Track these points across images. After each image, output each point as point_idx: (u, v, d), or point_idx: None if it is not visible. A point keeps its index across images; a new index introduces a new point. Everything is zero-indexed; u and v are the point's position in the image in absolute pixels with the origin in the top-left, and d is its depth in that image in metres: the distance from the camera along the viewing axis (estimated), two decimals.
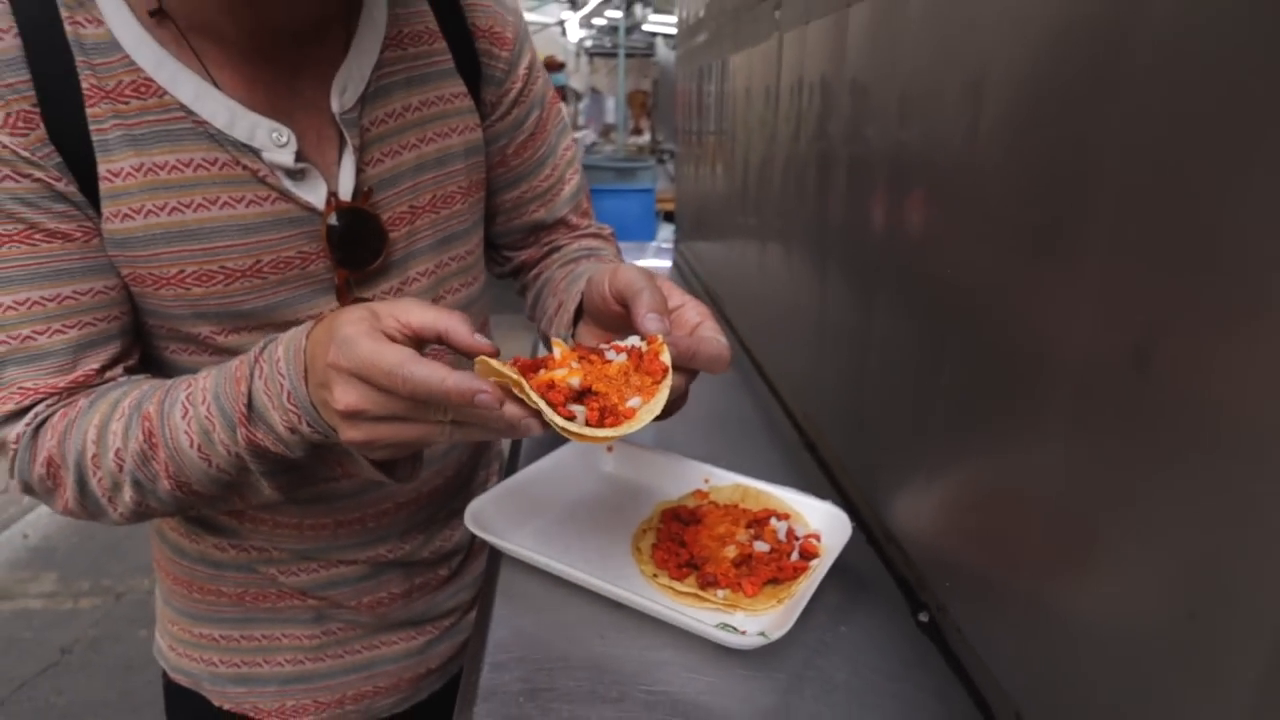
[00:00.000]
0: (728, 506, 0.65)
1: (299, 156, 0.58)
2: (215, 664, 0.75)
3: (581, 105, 8.40)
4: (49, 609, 2.15)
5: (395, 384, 0.44)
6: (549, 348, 0.58)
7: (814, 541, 0.60)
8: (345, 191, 0.61)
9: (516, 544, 0.60)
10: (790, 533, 0.60)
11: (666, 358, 0.47)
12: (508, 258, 0.82)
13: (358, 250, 0.61)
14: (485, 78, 0.70)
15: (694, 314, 0.54)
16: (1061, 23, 0.38)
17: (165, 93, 0.54)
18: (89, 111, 0.53)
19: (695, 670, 0.51)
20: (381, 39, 0.62)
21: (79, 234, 0.54)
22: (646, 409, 0.45)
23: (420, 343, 0.47)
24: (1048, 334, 0.39)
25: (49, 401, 0.56)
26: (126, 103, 0.54)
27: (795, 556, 0.58)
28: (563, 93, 6.34)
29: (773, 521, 0.61)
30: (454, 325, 0.46)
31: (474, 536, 0.77)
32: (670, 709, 0.47)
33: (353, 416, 0.46)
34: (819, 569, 0.56)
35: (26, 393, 0.55)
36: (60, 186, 0.53)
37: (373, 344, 0.44)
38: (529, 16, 7.71)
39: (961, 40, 0.47)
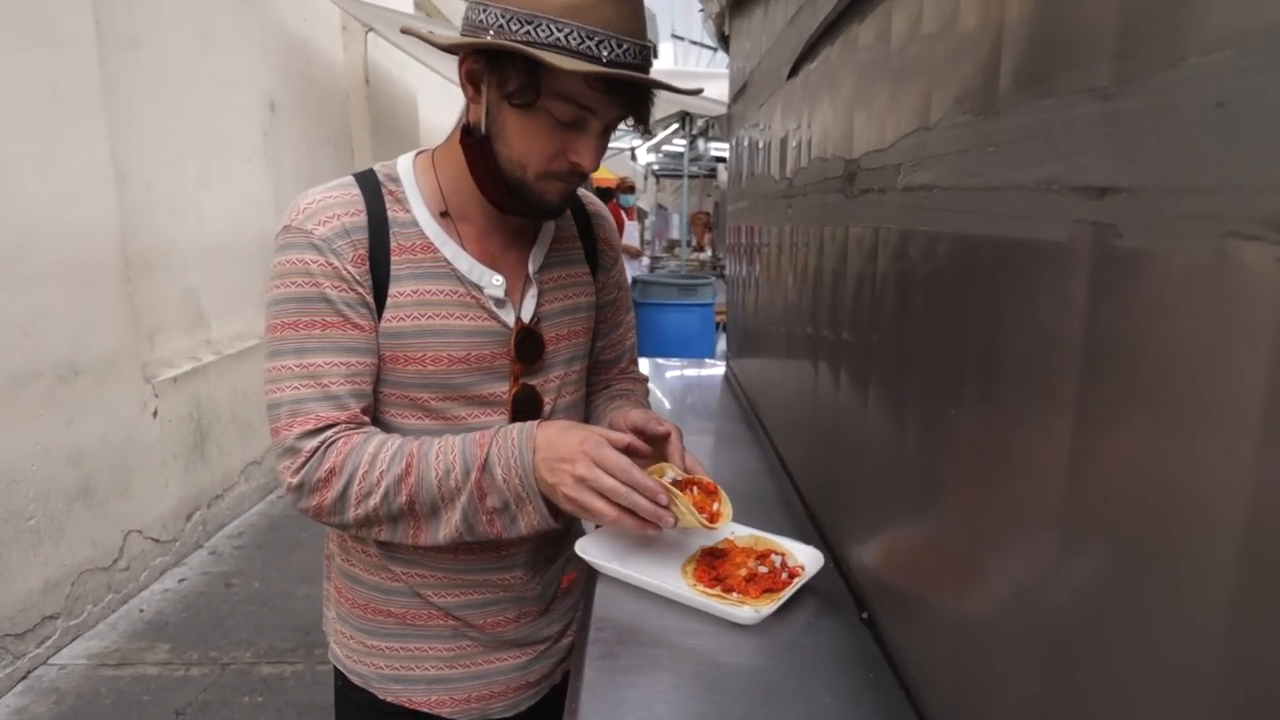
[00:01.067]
0: (745, 548, 0.93)
1: (504, 293, 0.93)
2: (381, 667, 0.99)
3: (649, 222, 9.02)
4: (163, 675, 2.41)
5: (619, 471, 0.79)
6: None
7: (799, 568, 0.89)
8: (525, 318, 0.95)
9: (607, 563, 0.91)
10: (783, 563, 0.89)
11: (707, 478, 0.91)
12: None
13: (527, 353, 0.95)
14: (600, 266, 1.07)
15: (674, 433, 0.95)
16: None
17: (437, 251, 0.90)
18: (392, 258, 0.88)
19: (715, 636, 0.79)
20: (552, 235, 1.00)
21: (369, 328, 0.87)
22: (727, 512, 0.87)
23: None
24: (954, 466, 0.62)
25: (335, 429, 0.85)
26: (415, 255, 0.89)
27: (785, 576, 0.87)
28: (633, 211, 6.86)
29: (772, 556, 0.90)
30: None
31: (561, 581, 1.07)
32: (699, 656, 0.75)
33: (580, 482, 0.80)
34: (798, 583, 0.85)
35: (321, 419, 0.84)
36: (367, 298, 0.87)
37: (614, 452, 0.82)
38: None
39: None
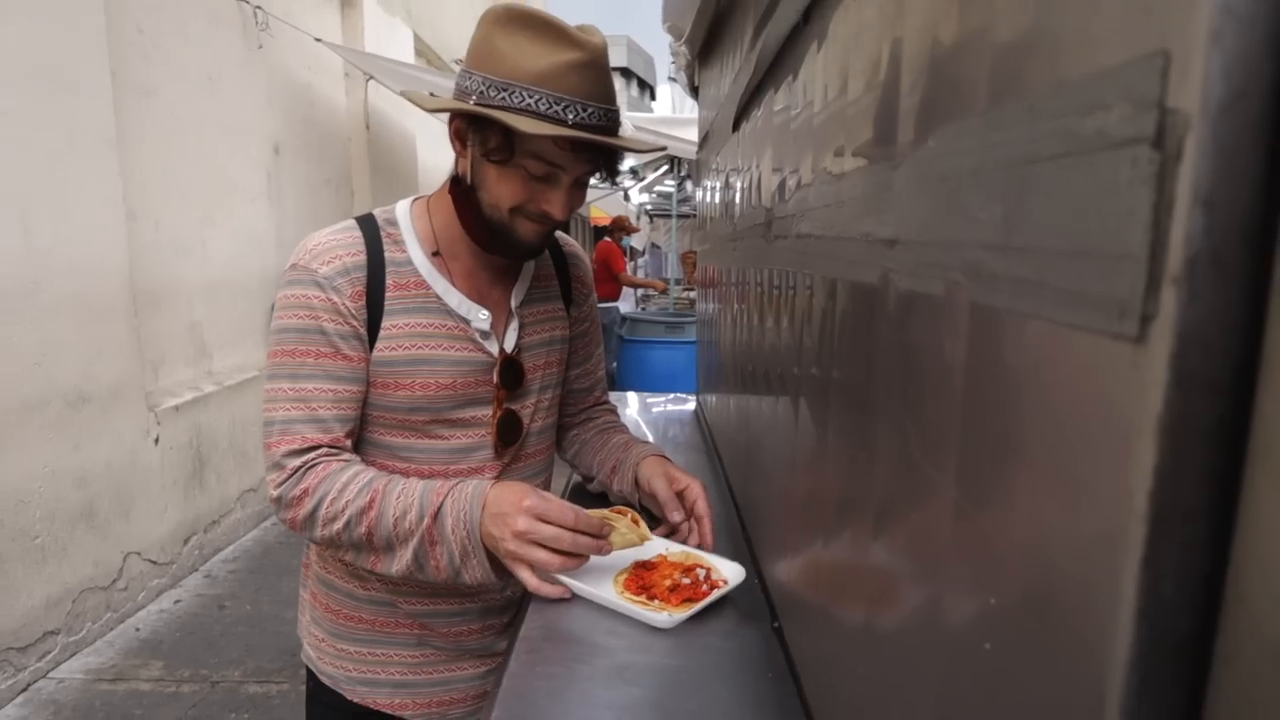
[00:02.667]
0: (675, 562, 1.00)
1: (489, 326, 1.01)
2: (349, 669, 1.06)
3: (642, 260, 9.18)
4: (156, 691, 2.49)
5: (560, 518, 0.88)
6: (607, 494, 1.20)
7: (721, 581, 0.95)
8: (509, 348, 1.04)
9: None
10: (707, 576, 0.95)
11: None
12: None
13: (510, 380, 1.04)
14: (573, 302, 1.17)
15: (692, 492, 1.07)
16: None
17: (429, 287, 0.99)
18: (387, 294, 0.96)
19: (635, 638, 0.86)
20: (532, 273, 1.10)
21: (358, 359, 0.95)
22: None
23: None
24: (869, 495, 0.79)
25: (317, 452, 0.93)
26: (409, 291, 0.98)
27: (705, 587, 0.93)
28: (628, 251, 7.01)
29: (697, 570, 0.96)
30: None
31: (521, 595, 1.12)
32: (614, 653, 0.82)
33: (520, 537, 0.87)
34: (717, 594, 0.91)
35: (306, 440, 0.92)
36: (360, 331, 0.95)
37: (555, 502, 0.90)
38: (595, 183, 8.67)
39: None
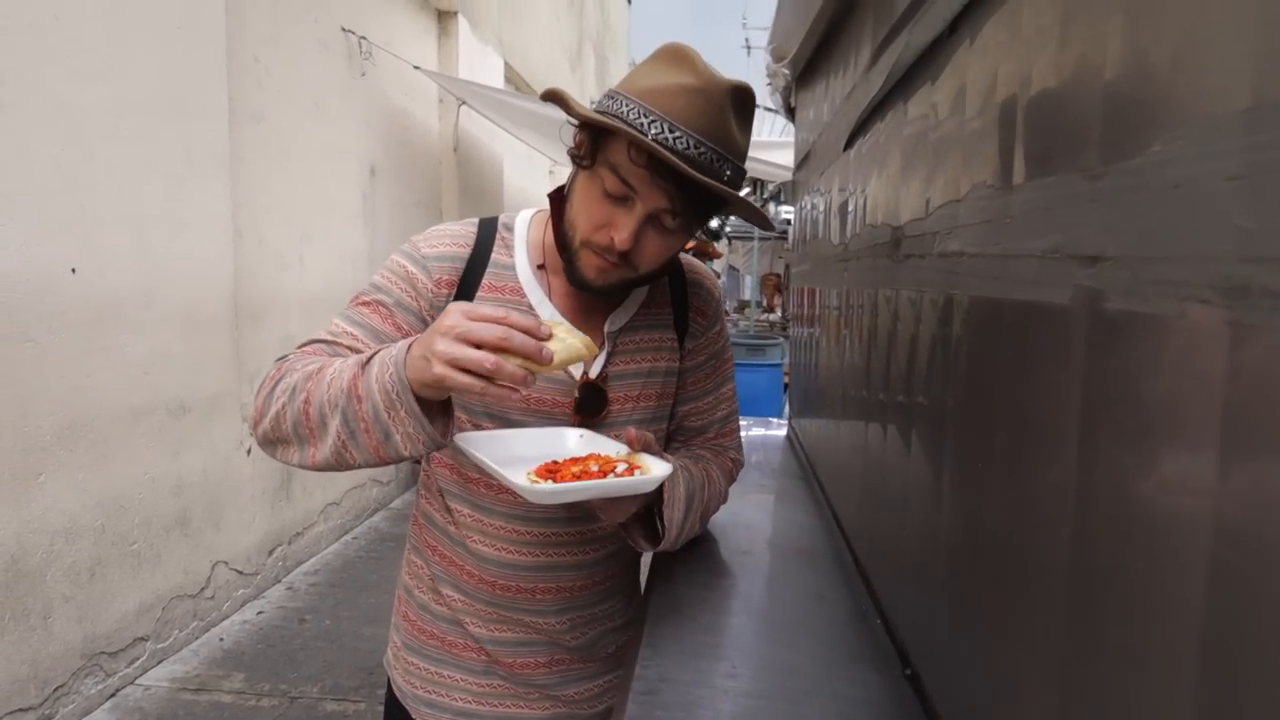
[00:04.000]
0: (608, 458, 0.86)
1: None
2: (416, 687, 1.04)
3: (721, 282, 9.10)
4: (236, 704, 2.54)
5: (493, 314, 0.71)
6: None
7: (636, 471, 0.82)
8: (593, 374, 0.98)
9: (474, 449, 0.83)
10: (628, 470, 0.82)
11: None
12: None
13: (588, 407, 0.98)
14: (689, 333, 1.07)
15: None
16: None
17: (524, 295, 0.96)
18: (479, 292, 0.94)
19: (755, 680, 0.77)
20: (642, 300, 1.02)
21: (406, 331, 0.91)
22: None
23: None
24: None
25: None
26: (503, 295, 0.95)
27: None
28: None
29: (618, 464, 0.83)
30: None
31: (613, 648, 1.07)
32: (744, 697, 0.80)
33: (448, 333, 0.70)
34: (617, 482, 0.79)
35: (320, 351, 0.88)
36: (428, 315, 0.92)
37: (488, 305, 0.75)
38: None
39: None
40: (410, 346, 0.75)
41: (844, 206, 1.31)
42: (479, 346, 0.70)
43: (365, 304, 0.93)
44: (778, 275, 7.61)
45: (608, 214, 0.86)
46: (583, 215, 0.88)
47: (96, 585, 2.47)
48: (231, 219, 3.03)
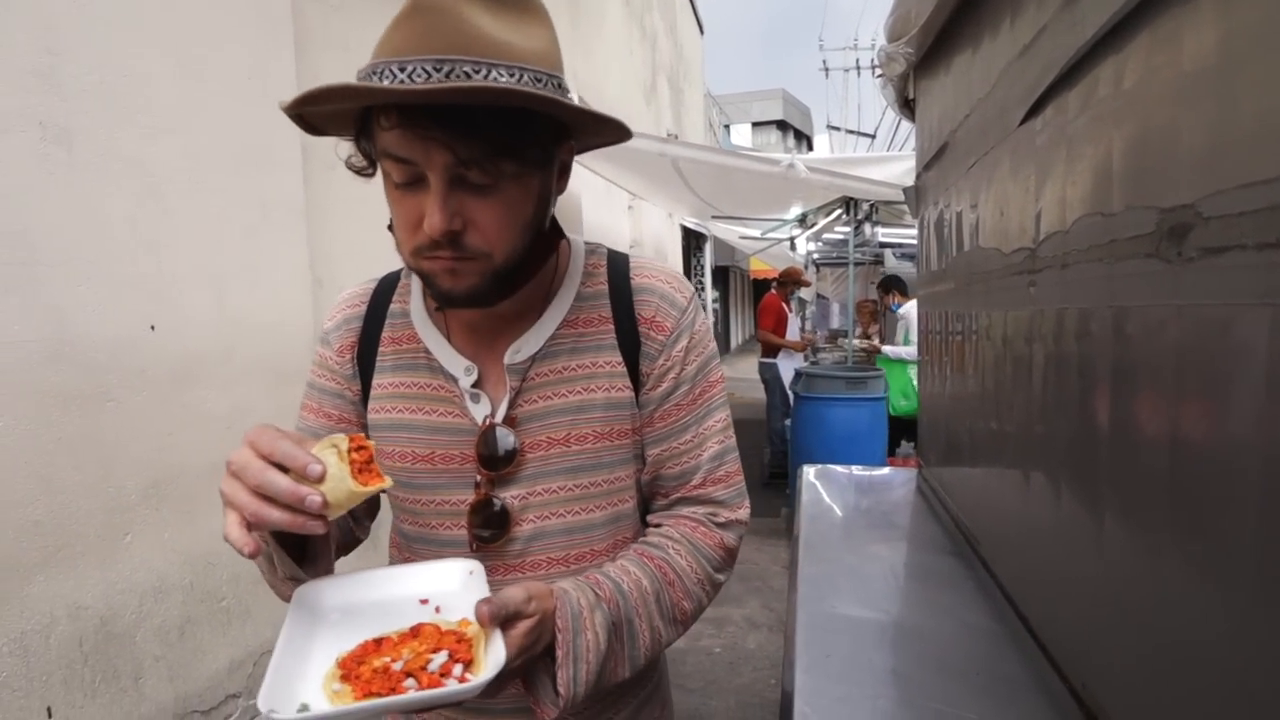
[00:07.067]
0: (432, 640, 0.67)
1: (476, 384, 0.83)
2: None
3: (808, 312, 8.81)
4: None
5: (261, 443, 0.64)
6: None
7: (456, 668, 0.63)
8: (498, 417, 0.82)
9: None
10: (454, 663, 0.63)
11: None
12: (649, 512, 0.93)
13: (495, 459, 0.82)
14: (644, 353, 0.86)
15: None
16: None
17: (421, 342, 0.86)
18: (380, 349, 0.88)
19: None
20: (561, 318, 0.85)
21: (338, 417, 0.90)
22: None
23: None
24: None
25: None
26: (401, 346, 0.87)
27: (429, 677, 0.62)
28: (795, 305, 6.69)
29: (434, 660, 0.63)
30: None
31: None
32: None
33: (228, 469, 0.65)
34: (419, 694, 0.60)
35: None
36: (346, 389, 0.89)
37: (269, 430, 0.65)
38: (760, 233, 8.46)
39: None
40: None
41: (1024, 198, 1.02)
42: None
43: (303, 407, 0.93)
44: (874, 302, 7.24)
45: (415, 208, 0.72)
46: (399, 225, 0.75)
47: (187, 643, 2.44)
48: (309, 267, 3.00)
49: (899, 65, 1.64)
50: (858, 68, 25.40)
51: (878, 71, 1.80)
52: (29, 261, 1.99)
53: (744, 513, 0.89)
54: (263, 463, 0.64)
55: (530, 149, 0.72)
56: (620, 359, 0.85)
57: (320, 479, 0.64)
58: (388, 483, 0.69)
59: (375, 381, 0.87)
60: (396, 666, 0.63)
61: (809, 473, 1.78)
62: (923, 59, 1.59)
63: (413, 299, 0.89)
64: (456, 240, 0.71)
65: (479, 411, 0.83)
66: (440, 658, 0.63)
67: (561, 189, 0.81)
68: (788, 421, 5.07)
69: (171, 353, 2.40)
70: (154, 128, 2.35)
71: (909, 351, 5.53)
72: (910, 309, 5.85)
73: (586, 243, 0.92)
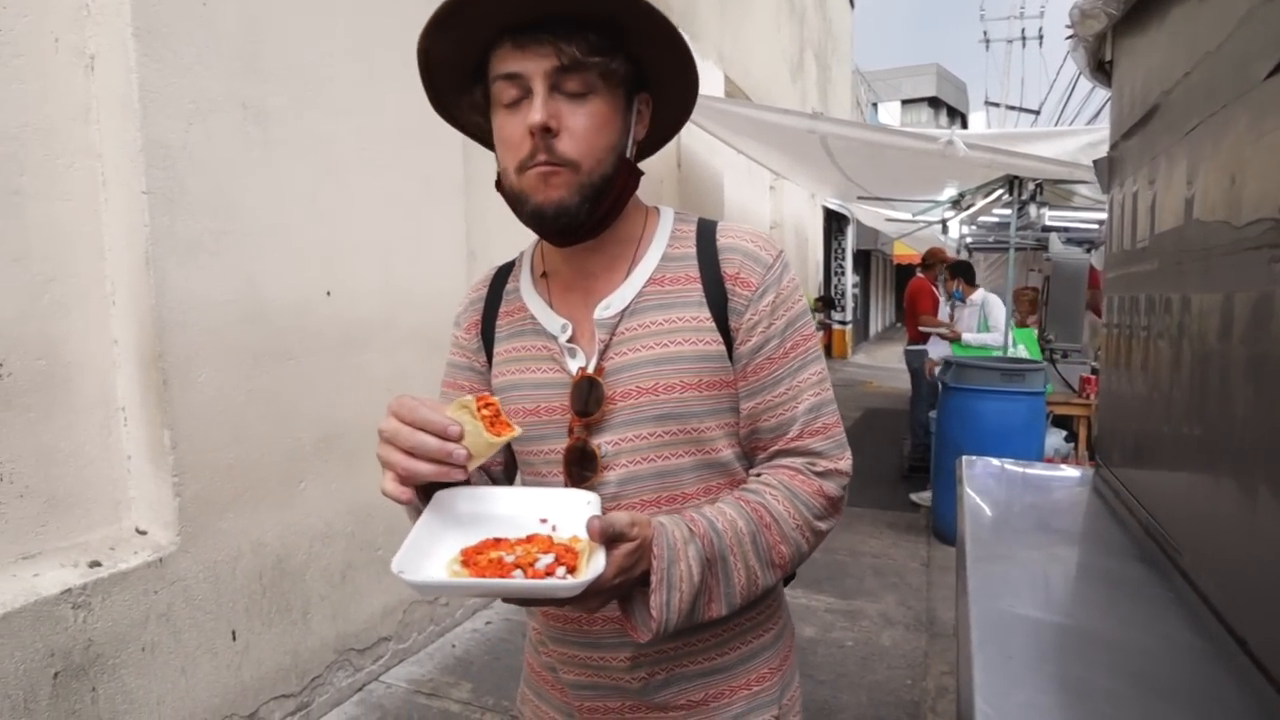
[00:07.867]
0: (543, 544, 0.74)
1: (571, 339, 0.90)
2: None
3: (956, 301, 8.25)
4: (463, 714, 2.58)
5: (404, 412, 0.72)
6: None
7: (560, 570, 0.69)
8: (591, 368, 0.89)
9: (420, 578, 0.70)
10: (558, 561, 0.69)
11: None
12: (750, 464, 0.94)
13: (587, 406, 0.88)
14: (731, 309, 0.88)
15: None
16: None
17: (528, 310, 0.95)
18: (498, 322, 0.98)
19: None
20: (649, 276, 0.90)
21: (469, 387, 0.99)
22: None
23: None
24: None
25: None
26: (514, 317, 0.97)
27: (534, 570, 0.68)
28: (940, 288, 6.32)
29: (542, 560, 0.70)
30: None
31: (685, 700, 0.92)
32: None
33: (380, 437, 0.74)
34: (521, 582, 0.66)
35: None
36: (474, 361, 0.99)
37: (407, 398, 0.74)
38: (909, 216, 8.03)
39: None
40: None
41: (1269, 163, 0.84)
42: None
43: (443, 383, 1.04)
44: (1034, 289, 6.70)
45: (519, 124, 0.81)
46: (504, 147, 0.84)
47: (348, 586, 2.65)
48: (465, 240, 3.14)
49: (1097, 23, 1.47)
50: (1023, 38, 23.41)
51: (1069, 33, 1.62)
52: (230, 230, 2.20)
53: (845, 464, 0.90)
54: (410, 428, 0.73)
55: (615, 60, 0.81)
56: (708, 314, 0.89)
57: (459, 437, 0.72)
58: (518, 431, 0.77)
59: (495, 351, 0.97)
60: (509, 559, 0.70)
61: (969, 464, 1.66)
62: (1128, 13, 1.41)
63: (523, 275, 0.99)
64: (551, 147, 0.79)
65: (574, 364, 0.90)
66: (548, 558, 0.70)
67: (639, 135, 0.90)
68: (932, 414, 4.80)
69: (344, 318, 2.58)
70: (334, 108, 2.52)
71: (993, 338, 5.26)
72: (983, 296, 5.53)
73: (678, 212, 0.97)
